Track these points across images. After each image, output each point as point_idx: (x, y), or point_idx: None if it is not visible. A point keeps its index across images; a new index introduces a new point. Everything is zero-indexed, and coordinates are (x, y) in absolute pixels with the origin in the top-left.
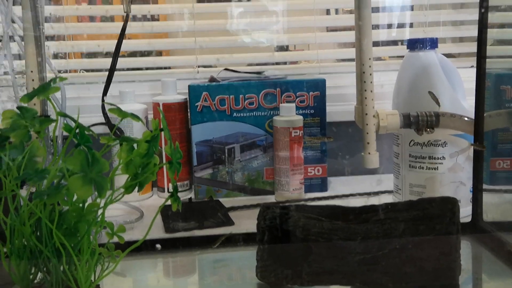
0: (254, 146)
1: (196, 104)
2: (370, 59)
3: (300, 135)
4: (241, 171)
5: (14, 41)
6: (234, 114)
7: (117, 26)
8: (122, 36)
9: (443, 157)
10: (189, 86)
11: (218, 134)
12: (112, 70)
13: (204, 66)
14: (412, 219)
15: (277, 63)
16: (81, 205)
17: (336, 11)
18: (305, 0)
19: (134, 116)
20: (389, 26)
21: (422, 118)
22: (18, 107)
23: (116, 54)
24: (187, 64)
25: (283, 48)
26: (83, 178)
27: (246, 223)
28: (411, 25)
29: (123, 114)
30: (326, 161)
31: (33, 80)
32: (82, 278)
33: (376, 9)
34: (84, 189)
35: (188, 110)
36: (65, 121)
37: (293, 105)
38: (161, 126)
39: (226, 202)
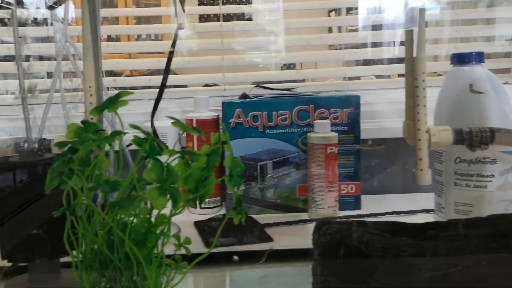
0: (287, 163)
1: (230, 120)
2: (423, 73)
3: (336, 151)
4: (273, 188)
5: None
6: (267, 131)
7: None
8: (170, 56)
9: (492, 174)
10: (223, 103)
11: (251, 150)
12: (162, 87)
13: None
14: (484, 236)
15: (303, 80)
16: (147, 216)
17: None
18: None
19: (195, 130)
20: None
21: (476, 134)
22: (82, 121)
23: (166, 72)
24: (214, 81)
25: (290, 67)
26: (159, 189)
27: (284, 239)
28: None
29: (185, 128)
30: (360, 179)
31: (91, 95)
32: None
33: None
34: (160, 199)
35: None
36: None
37: (328, 121)
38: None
39: (259, 218)
